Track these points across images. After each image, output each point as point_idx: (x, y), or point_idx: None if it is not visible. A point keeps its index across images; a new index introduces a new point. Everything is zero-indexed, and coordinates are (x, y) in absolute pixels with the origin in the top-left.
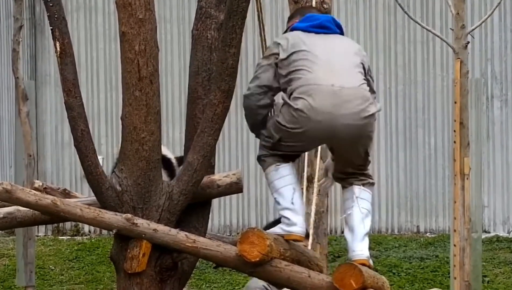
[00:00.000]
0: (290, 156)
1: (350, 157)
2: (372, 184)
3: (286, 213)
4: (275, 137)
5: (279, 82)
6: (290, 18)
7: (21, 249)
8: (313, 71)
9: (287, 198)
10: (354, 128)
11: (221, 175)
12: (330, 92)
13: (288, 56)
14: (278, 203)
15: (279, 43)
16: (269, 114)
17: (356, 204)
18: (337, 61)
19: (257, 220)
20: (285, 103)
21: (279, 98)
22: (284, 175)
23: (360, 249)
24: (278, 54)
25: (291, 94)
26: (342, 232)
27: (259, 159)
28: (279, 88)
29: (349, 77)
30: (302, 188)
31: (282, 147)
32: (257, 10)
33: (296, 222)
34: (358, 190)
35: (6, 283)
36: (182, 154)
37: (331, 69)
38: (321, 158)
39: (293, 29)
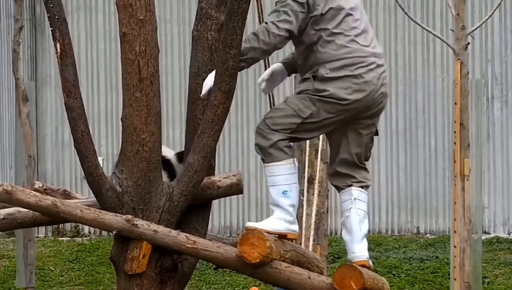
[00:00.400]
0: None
1: (363, 138)
2: (369, 186)
3: (291, 209)
4: (306, 112)
5: (301, 33)
6: None
7: (21, 250)
8: (355, 38)
9: (296, 195)
10: (385, 98)
11: (221, 176)
12: (374, 64)
13: (326, 12)
14: (288, 198)
15: None
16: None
17: (354, 206)
18: (366, 23)
19: (257, 221)
20: (331, 77)
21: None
22: (296, 172)
23: (359, 250)
24: (309, 6)
25: (330, 61)
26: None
27: (273, 146)
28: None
29: (377, 43)
30: (303, 189)
31: (307, 126)
32: (258, 11)
33: (296, 221)
34: (356, 192)
35: (6, 284)
36: None
37: (366, 36)
38: (321, 159)
39: None
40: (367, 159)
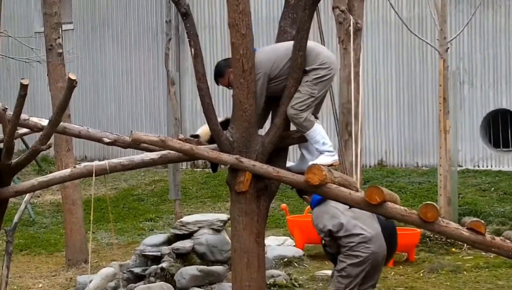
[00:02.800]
0: None
1: None
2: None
3: (331, 148)
4: (315, 92)
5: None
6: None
7: (172, 176)
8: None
9: (328, 139)
10: None
11: (294, 131)
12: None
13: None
14: (327, 144)
15: None
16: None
17: None
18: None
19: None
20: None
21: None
22: (321, 127)
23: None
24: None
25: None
26: (370, 166)
27: (305, 120)
28: None
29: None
30: (346, 140)
31: (317, 100)
32: (319, 28)
33: (336, 154)
34: None
35: (163, 197)
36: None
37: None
38: (356, 120)
39: None
40: None
